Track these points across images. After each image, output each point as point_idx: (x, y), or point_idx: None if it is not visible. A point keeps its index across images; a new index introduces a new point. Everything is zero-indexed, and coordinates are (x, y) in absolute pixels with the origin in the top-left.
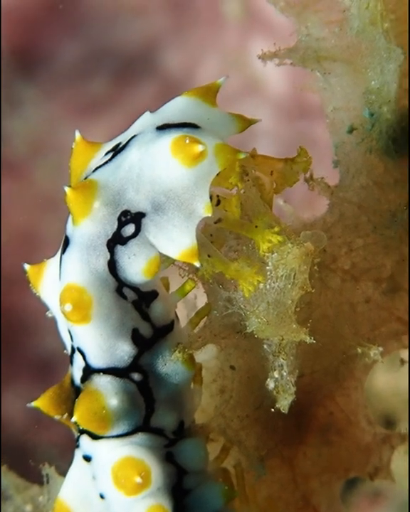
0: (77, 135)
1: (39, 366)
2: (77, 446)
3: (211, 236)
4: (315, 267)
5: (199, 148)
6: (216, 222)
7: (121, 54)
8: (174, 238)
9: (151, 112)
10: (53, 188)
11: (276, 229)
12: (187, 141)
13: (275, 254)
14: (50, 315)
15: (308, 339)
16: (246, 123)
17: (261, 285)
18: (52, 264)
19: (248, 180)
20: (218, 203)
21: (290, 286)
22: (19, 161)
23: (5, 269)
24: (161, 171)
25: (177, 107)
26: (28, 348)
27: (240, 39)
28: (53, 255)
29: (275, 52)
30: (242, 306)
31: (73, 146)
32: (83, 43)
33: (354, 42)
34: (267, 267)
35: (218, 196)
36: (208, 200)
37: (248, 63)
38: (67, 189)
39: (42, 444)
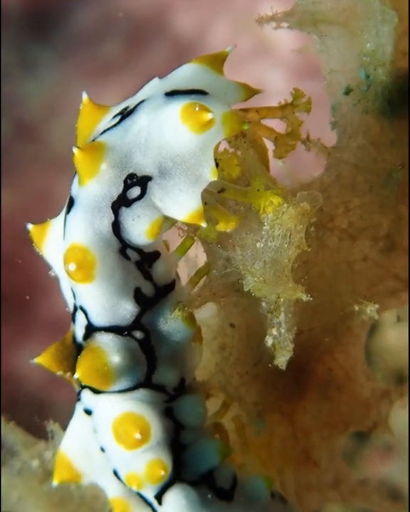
0: (85, 97)
1: (54, 325)
2: (78, 400)
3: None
4: (312, 227)
5: (208, 116)
6: (219, 191)
7: (133, 17)
8: (180, 202)
9: (159, 78)
10: (68, 148)
11: (279, 190)
12: (197, 109)
13: (271, 214)
14: (52, 274)
15: (304, 297)
16: (251, 92)
17: (258, 244)
18: (56, 224)
19: (245, 143)
20: (217, 164)
21: (286, 245)
22: (34, 122)
23: (21, 230)
24: (170, 136)
25: (185, 74)
26: (43, 306)
27: (250, 1)
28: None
29: (272, 15)
30: (240, 265)
31: (80, 108)
32: (96, 6)
33: (349, 5)
34: (264, 227)
35: (215, 159)
36: (214, 165)
37: (258, 25)
38: (75, 150)
39: (60, 400)
